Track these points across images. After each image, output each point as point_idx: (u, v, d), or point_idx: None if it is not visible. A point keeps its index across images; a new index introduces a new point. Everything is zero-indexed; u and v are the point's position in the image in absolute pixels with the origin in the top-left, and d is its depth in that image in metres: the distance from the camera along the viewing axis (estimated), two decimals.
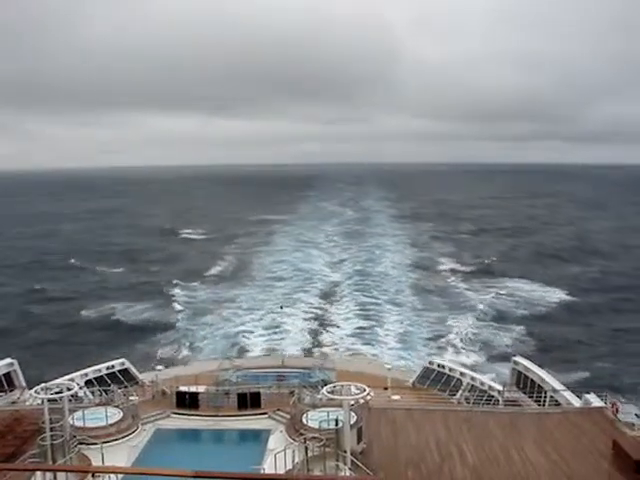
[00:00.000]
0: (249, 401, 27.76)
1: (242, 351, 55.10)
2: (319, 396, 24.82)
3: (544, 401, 29.55)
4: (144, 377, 34.36)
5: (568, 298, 76.68)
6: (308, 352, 53.21)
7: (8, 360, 33.40)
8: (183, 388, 28.93)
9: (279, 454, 20.61)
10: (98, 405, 26.67)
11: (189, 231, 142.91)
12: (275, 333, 60.81)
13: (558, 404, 28.60)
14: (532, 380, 31.37)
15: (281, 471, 19.69)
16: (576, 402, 27.98)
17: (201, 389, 28.94)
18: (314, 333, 60.79)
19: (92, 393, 30.49)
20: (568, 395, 28.91)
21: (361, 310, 68.93)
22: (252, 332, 61.26)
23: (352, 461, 20.64)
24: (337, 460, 20.47)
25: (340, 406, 21.89)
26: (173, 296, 77.72)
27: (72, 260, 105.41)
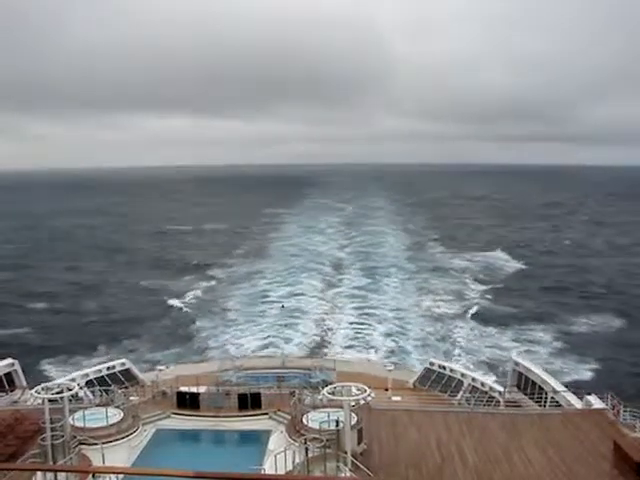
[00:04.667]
0: (250, 402, 27.75)
1: None
2: (320, 397, 24.74)
3: (545, 402, 29.46)
4: (145, 377, 34.34)
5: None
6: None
7: (9, 360, 33.39)
8: (184, 388, 28.90)
9: (279, 455, 20.61)
10: (99, 405, 26.63)
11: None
12: None
13: (559, 405, 28.51)
14: (533, 381, 31.29)
15: (281, 472, 19.66)
16: (577, 403, 27.87)
17: (202, 389, 28.93)
18: None
19: (93, 393, 30.47)
20: (569, 396, 28.80)
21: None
22: None
23: (352, 462, 20.63)
24: (337, 461, 20.46)
25: (341, 407, 21.88)
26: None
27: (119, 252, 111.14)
